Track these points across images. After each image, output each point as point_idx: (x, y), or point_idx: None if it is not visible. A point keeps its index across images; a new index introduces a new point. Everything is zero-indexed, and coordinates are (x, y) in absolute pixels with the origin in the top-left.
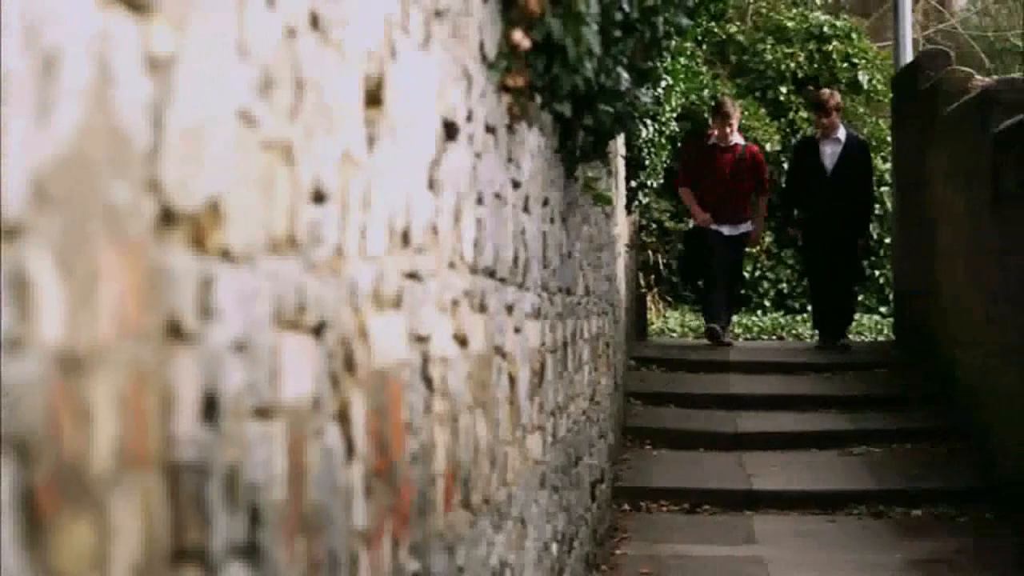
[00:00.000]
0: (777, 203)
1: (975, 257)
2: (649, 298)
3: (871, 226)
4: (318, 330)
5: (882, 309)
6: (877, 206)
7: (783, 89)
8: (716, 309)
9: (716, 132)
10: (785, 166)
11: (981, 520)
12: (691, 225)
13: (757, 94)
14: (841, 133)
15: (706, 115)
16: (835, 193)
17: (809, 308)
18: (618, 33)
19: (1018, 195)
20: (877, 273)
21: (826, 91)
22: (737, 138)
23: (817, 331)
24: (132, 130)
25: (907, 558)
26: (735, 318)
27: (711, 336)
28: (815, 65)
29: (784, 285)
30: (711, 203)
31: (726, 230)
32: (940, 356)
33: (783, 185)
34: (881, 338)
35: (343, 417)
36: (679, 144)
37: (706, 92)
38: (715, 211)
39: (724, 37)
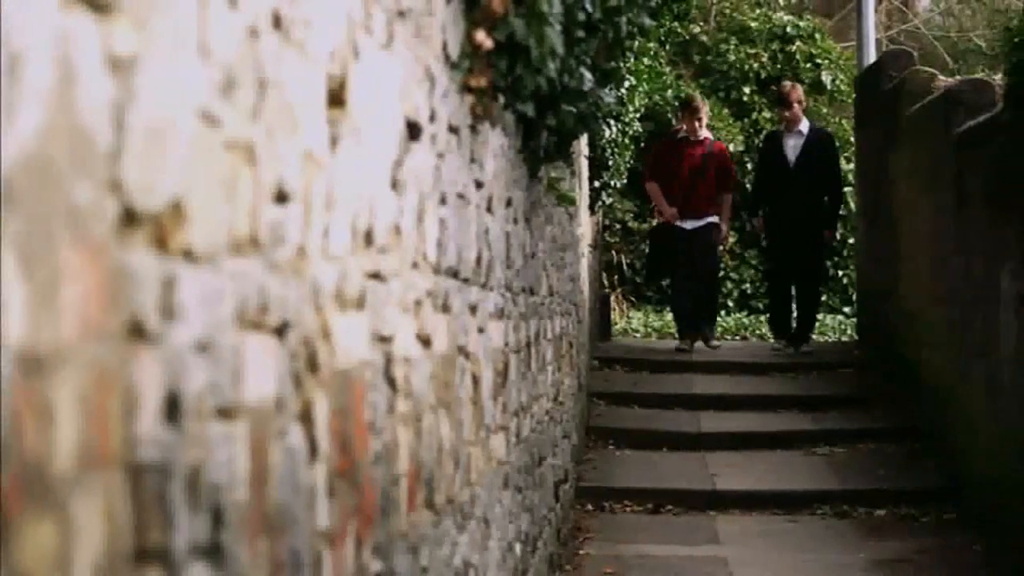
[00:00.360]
0: (741, 203)
1: (938, 258)
2: (613, 298)
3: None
4: (281, 330)
5: (846, 309)
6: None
7: (746, 89)
8: (686, 321)
9: (685, 127)
10: (749, 166)
11: (944, 520)
12: (655, 222)
13: (720, 94)
14: (804, 126)
15: (670, 115)
16: (798, 186)
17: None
18: (581, 33)
19: (981, 196)
20: (840, 273)
21: (787, 84)
22: (706, 133)
23: (773, 334)
24: (94, 130)
25: (870, 558)
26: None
27: (681, 351)
28: (778, 65)
29: (748, 285)
30: (678, 196)
31: (689, 224)
32: (903, 357)
33: (747, 185)
34: (845, 338)
35: (306, 417)
36: (643, 144)
37: (669, 92)
38: (681, 205)
39: (687, 37)
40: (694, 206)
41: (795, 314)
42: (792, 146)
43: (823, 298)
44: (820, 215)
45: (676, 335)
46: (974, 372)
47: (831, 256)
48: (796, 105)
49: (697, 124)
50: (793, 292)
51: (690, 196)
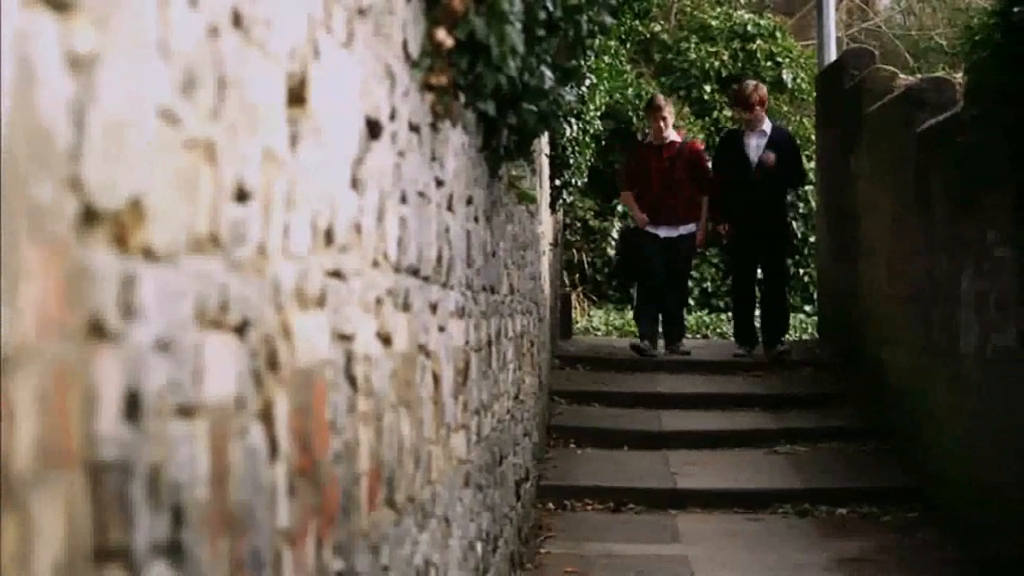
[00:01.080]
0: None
1: (900, 256)
2: (574, 297)
3: (796, 224)
4: (241, 329)
5: (807, 308)
6: (802, 204)
7: (707, 88)
8: (648, 326)
9: (650, 130)
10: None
11: (906, 519)
12: (619, 227)
13: (681, 93)
14: (767, 126)
15: (630, 113)
16: (760, 187)
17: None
18: (542, 32)
19: (942, 194)
20: (802, 272)
21: (750, 83)
22: (673, 135)
23: (736, 340)
24: (54, 129)
25: (833, 557)
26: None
27: (636, 350)
28: (739, 64)
29: (708, 284)
30: (647, 203)
31: (662, 232)
32: (865, 355)
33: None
34: (806, 337)
35: (266, 416)
36: (604, 143)
37: (630, 91)
38: (651, 211)
39: (648, 36)
40: (668, 213)
41: (761, 318)
42: (755, 146)
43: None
44: (782, 217)
45: (637, 335)
46: (936, 371)
47: (792, 255)
48: (758, 107)
49: (662, 124)
50: (758, 295)
51: (662, 203)
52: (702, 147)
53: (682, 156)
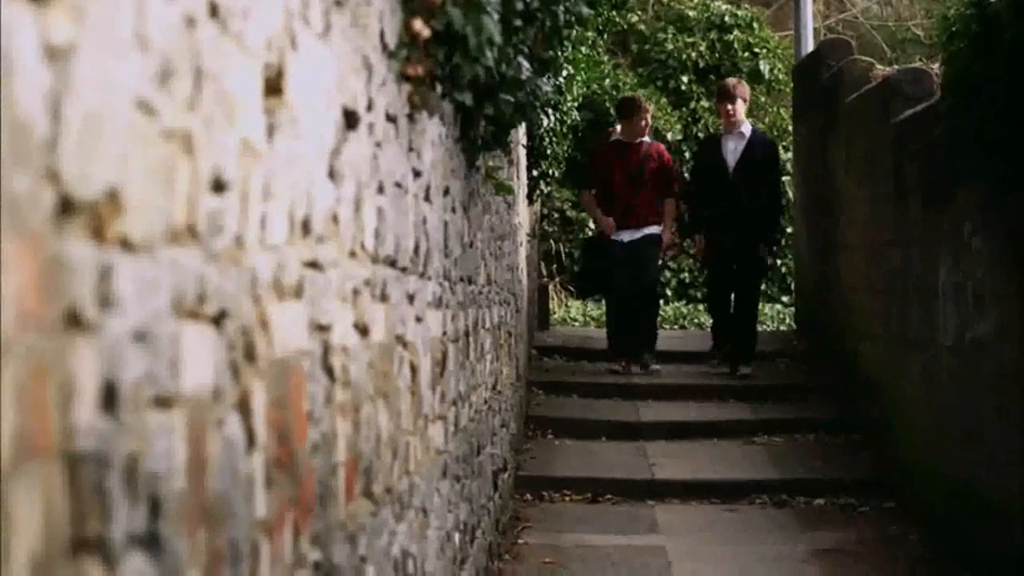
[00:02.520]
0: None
1: (876, 248)
2: (551, 288)
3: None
4: (218, 320)
5: (784, 299)
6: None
7: (684, 79)
8: (622, 342)
9: (621, 129)
10: (687, 155)
11: (883, 510)
12: (589, 233)
13: (659, 83)
14: (746, 128)
15: (608, 104)
16: (736, 193)
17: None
18: (519, 22)
19: (919, 186)
20: (779, 263)
21: (732, 79)
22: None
23: (716, 351)
24: (31, 120)
25: (809, 548)
26: None
27: (614, 373)
28: (716, 55)
29: (686, 275)
30: (614, 206)
31: (626, 236)
32: (842, 347)
33: (687, 179)
34: (783, 328)
35: (244, 407)
36: (581, 133)
37: (607, 81)
38: (617, 215)
39: (625, 26)
40: (631, 216)
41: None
42: (732, 149)
43: (762, 287)
44: (759, 225)
45: (608, 357)
46: (912, 363)
47: (766, 274)
48: (739, 100)
49: (643, 126)
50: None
51: (626, 206)
52: (668, 155)
53: (650, 158)
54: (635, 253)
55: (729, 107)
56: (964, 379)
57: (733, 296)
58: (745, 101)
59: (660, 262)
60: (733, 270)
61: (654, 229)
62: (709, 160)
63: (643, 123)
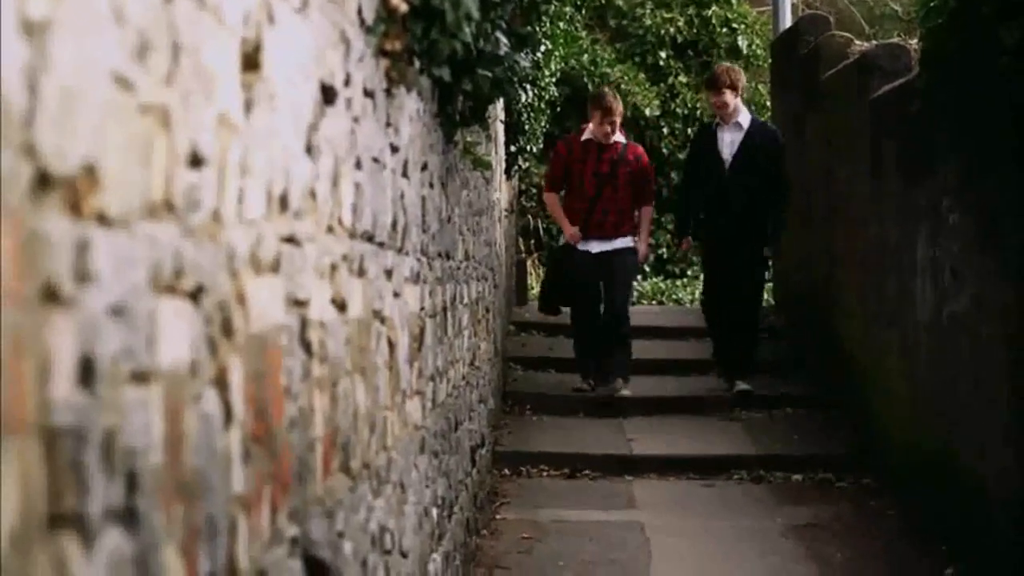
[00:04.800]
0: (672, 198)
1: (854, 224)
2: (529, 263)
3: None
4: (195, 295)
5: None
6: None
7: (662, 54)
8: (588, 359)
9: (592, 127)
10: (665, 130)
11: (861, 486)
12: (562, 241)
13: (636, 59)
14: (744, 118)
15: (585, 80)
16: (734, 190)
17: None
18: None
19: (896, 161)
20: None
21: (723, 65)
22: (617, 136)
23: (718, 366)
24: (7, 94)
25: (787, 523)
26: None
27: (580, 391)
28: (694, 30)
29: (664, 250)
30: (580, 212)
31: (594, 247)
32: (820, 323)
33: (676, 177)
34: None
35: (221, 382)
36: (559, 109)
37: (585, 57)
38: (584, 223)
39: (603, 2)
40: (601, 225)
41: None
42: (729, 142)
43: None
44: (759, 225)
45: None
46: (889, 339)
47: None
48: (728, 91)
49: (609, 128)
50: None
51: (595, 212)
52: (647, 159)
53: (625, 161)
54: (605, 267)
55: (715, 99)
56: (941, 355)
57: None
58: (737, 90)
59: (635, 279)
60: (729, 277)
61: (628, 241)
62: (703, 155)
63: (605, 126)
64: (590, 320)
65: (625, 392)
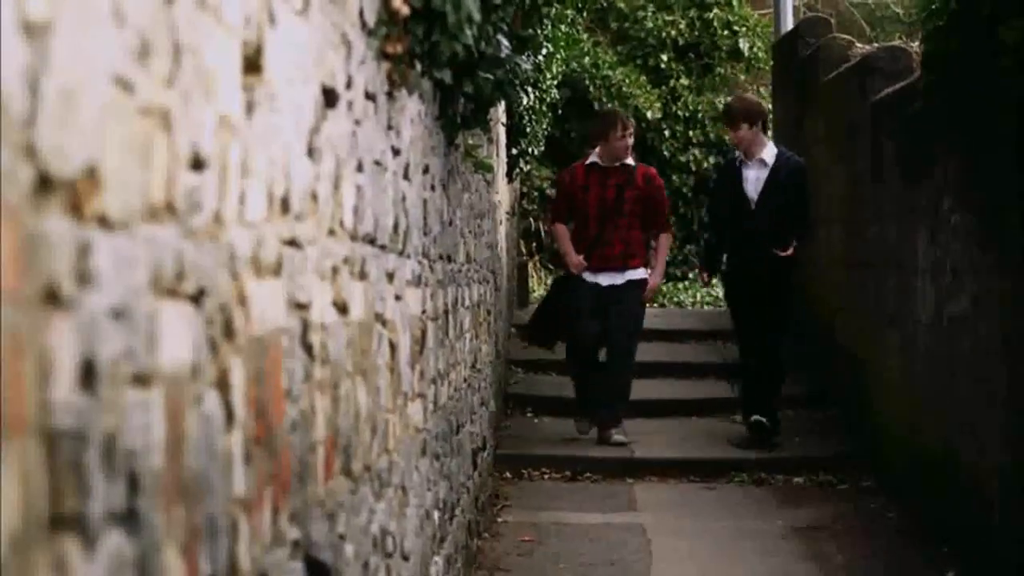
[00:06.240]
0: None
1: (853, 224)
2: (531, 265)
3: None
4: (197, 297)
5: None
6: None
7: (664, 56)
8: (586, 397)
9: (608, 147)
10: (667, 133)
11: (861, 487)
12: (563, 272)
13: (638, 61)
14: (769, 153)
15: (587, 83)
16: (760, 231)
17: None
18: (498, 0)
19: (897, 162)
20: None
21: (736, 97)
22: (628, 159)
23: (745, 415)
24: (8, 96)
25: (788, 525)
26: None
27: (581, 431)
28: (696, 32)
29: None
30: (583, 241)
31: (602, 279)
32: (819, 323)
33: (677, 180)
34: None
35: (222, 384)
36: (560, 111)
37: (587, 59)
38: (589, 254)
39: (605, 4)
40: (607, 256)
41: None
42: (753, 179)
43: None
44: (786, 267)
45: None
46: (889, 339)
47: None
48: (744, 125)
49: (631, 141)
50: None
51: (600, 242)
52: (660, 181)
53: (634, 185)
54: (612, 302)
55: (732, 134)
56: (941, 354)
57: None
58: (754, 123)
59: (643, 315)
60: (755, 319)
61: (640, 273)
62: (727, 193)
63: (623, 142)
64: (587, 361)
65: (620, 438)
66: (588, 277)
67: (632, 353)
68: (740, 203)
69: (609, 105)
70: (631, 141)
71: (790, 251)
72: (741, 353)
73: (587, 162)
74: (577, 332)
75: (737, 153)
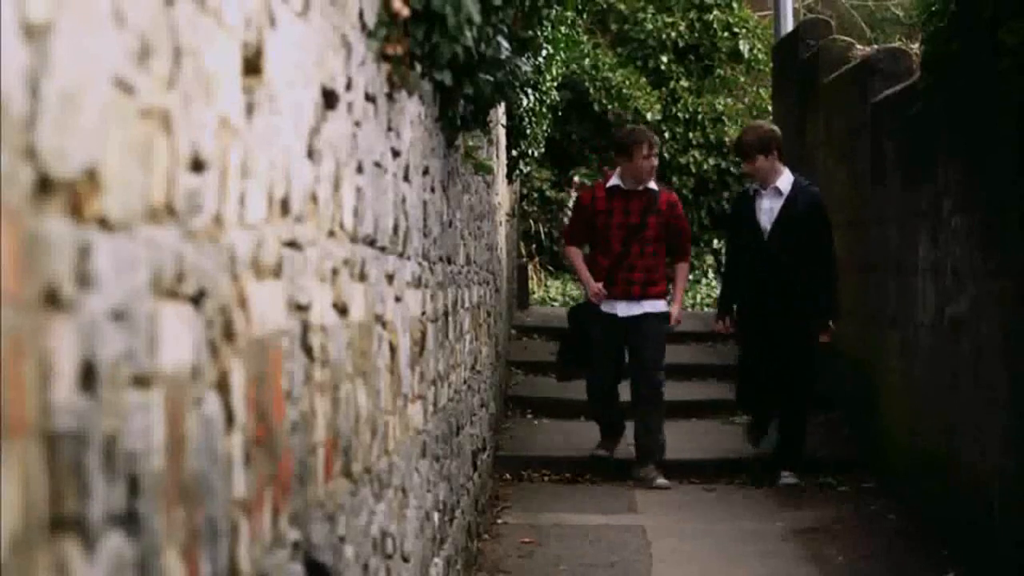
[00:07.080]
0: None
1: (854, 226)
2: (531, 267)
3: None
4: (197, 298)
5: None
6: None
7: (664, 58)
8: (610, 422)
9: (633, 166)
10: (667, 135)
11: (862, 489)
12: (583, 298)
13: (638, 63)
14: (784, 182)
15: (587, 84)
16: (774, 264)
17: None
18: (498, 1)
19: (897, 164)
20: None
21: (751, 127)
22: (651, 183)
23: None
24: (9, 98)
25: (788, 527)
26: None
27: (595, 462)
28: (696, 34)
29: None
30: (604, 269)
31: (620, 310)
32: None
33: (677, 181)
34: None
35: (222, 386)
36: (560, 113)
37: (587, 61)
38: (608, 281)
39: (605, 6)
40: (627, 283)
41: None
42: (767, 209)
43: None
44: (805, 304)
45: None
46: (889, 341)
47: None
48: (760, 156)
49: (649, 168)
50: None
51: (621, 269)
52: (682, 208)
53: (656, 210)
54: (633, 334)
55: (747, 167)
56: (942, 356)
57: (773, 384)
58: (769, 153)
59: (664, 350)
60: (771, 359)
61: (660, 305)
62: (741, 223)
63: (649, 162)
64: (607, 392)
65: (661, 482)
66: (605, 307)
67: (661, 394)
68: (754, 234)
69: (609, 107)
70: (656, 162)
71: (827, 336)
72: (745, 389)
73: (608, 184)
74: (596, 363)
75: (751, 184)
